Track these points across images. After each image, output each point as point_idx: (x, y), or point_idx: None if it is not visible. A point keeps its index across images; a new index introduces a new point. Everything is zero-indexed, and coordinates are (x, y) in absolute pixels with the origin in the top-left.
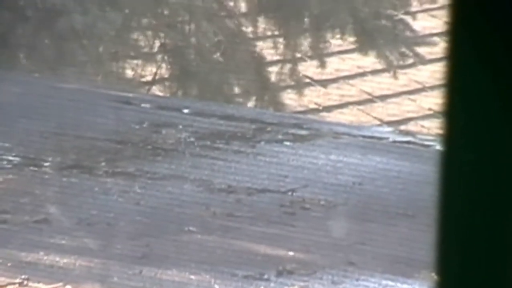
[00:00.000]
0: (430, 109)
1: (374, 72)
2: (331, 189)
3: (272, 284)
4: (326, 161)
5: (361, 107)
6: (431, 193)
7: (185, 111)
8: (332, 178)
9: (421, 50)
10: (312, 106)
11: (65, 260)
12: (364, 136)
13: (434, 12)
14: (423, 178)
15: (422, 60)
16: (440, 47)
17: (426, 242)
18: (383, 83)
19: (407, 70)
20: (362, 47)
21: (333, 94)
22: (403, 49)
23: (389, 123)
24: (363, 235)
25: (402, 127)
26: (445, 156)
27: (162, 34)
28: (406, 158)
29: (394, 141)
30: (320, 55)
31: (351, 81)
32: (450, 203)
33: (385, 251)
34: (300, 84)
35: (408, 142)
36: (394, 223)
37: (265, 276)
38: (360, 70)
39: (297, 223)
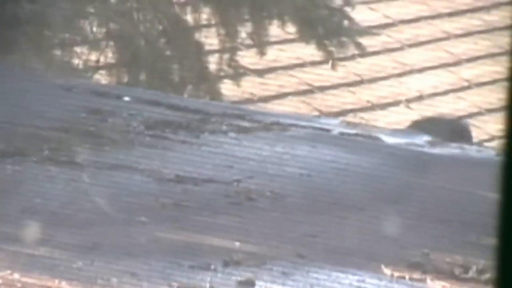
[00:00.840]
0: (368, 102)
1: (314, 63)
2: (278, 181)
3: (219, 275)
4: (271, 152)
5: (299, 98)
6: (379, 186)
7: (130, 99)
8: (278, 170)
9: (361, 41)
10: (248, 96)
11: (11, 249)
12: (311, 128)
13: (373, 5)
14: (371, 171)
15: (361, 52)
16: (380, 40)
17: (375, 234)
18: (322, 74)
19: (346, 62)
20: (302, 37)
21: (271, 84)
22: (344, 40)
23: (327, 115)
24: (312, 227)
25: (341, 119)
26: (508, 162)
27: (109, 22)
28: (354, 151)
29: (342, 133)
30: (259, 44)
31: (290, 71)
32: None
33: (335, 243)
34: (238, 74)
35: (355, 135)
36: (343, 215)
37: (212, 267)
38: (300, 61)
39: (243, 214)
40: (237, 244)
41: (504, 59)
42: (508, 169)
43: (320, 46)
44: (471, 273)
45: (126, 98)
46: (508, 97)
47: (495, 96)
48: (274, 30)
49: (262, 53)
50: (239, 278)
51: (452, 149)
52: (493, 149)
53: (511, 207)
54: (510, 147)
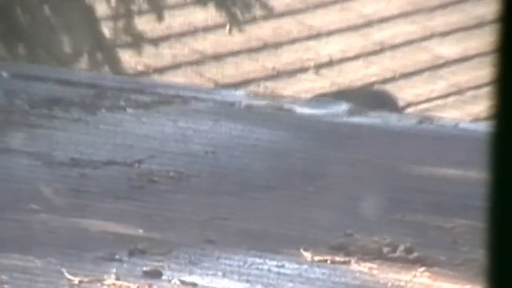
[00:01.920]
0: (274, 69)
1: (212, 27)
2: (181, 160)
3: (124, 265)
4: (174, 129)
5: (195, 67)
6: (293, 162)
7: (9, 75)
8: (181, 148)
9: (266, 2)
10: (143, 67)
11: None
12: (213, 101)
13: None
14: (284, 146)
15: (266, 14)
16: (283, 1)
17: (291, 215)
18: (221, 41)
19: (247, 26)
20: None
21: (165, 54)
22: (248, 0)
23: (228, 86)
24: (221, 210)
25: (244, 90)
26: (497, 139)
27: None
28: (263, 124)
29: (248, 106)
30: (155, 9)
31: (185, 38)
32: (503, 191)
33: (247, 226)
34: (132, 43)
35: (265, 106)
36: (255, 195)
37: (117, 257)
38: (197, 26)
39: (146, 198)
40: (141, 231)
41: (419, 18)
42: (498, 147)
43: (221, 8)
44: (398, 252)
45: (4, 74)
46: (498, 68)
47: (411, 59)
48: None
49: (159, 19)
50: (145, 268)
51: (372, 119)
52: (413, 116)
53: (502, 187)
54: (501, 123)
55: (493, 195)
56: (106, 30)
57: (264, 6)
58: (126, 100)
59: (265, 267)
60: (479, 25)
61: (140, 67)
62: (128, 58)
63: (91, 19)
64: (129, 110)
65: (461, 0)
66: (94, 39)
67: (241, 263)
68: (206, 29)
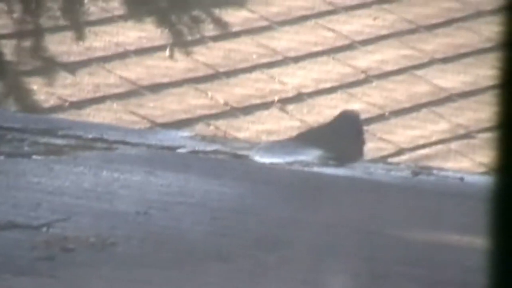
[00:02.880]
0: (226, 104)
1: (146, 50)
2: (105, 222)
3: None
4: (95, 182)
5: (124, 102)
6: (252, 227)
7: None
8: (105, 206)
9: (223, 16)
10: (56, 101)
11: None
12: (149, 145)
13: None
14: (238, 205)
15: (217, 34)
16: (240, 16)
17: None
18: (158, 67)
19: (193, 48)
20: (134, 14)
21: (85, 84)
22: (196, 14)
23: (165, 126)
24: None
25: (186, 131)
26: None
27: None
28: (213, 176)
29: (194, 152)
30: (73, 25)
31: (111, 64)
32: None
33: None
34: (41, 69)
35: (215, 152)
36: (199, 269)
37: None
38: (127, 48)
39: (57, 273)
40: None
41: (415, 40)
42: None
43: (160, 24)
44: None
45: None
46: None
47: (404, 92)
48: (95, 5)
49: (77, 37)
50: None
51: (351, 170)
52: (406, 166)
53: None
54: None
55: (495, 265)
56: (7, 51)
57: (218, 22)
58: (32, 144)
59: None
60: (491, 49)
61: (51, 101)
62: (36, 89)
63: None
64: (36, 157)
65: (467, 17)
66: None
67: None
68: (140, 52)
